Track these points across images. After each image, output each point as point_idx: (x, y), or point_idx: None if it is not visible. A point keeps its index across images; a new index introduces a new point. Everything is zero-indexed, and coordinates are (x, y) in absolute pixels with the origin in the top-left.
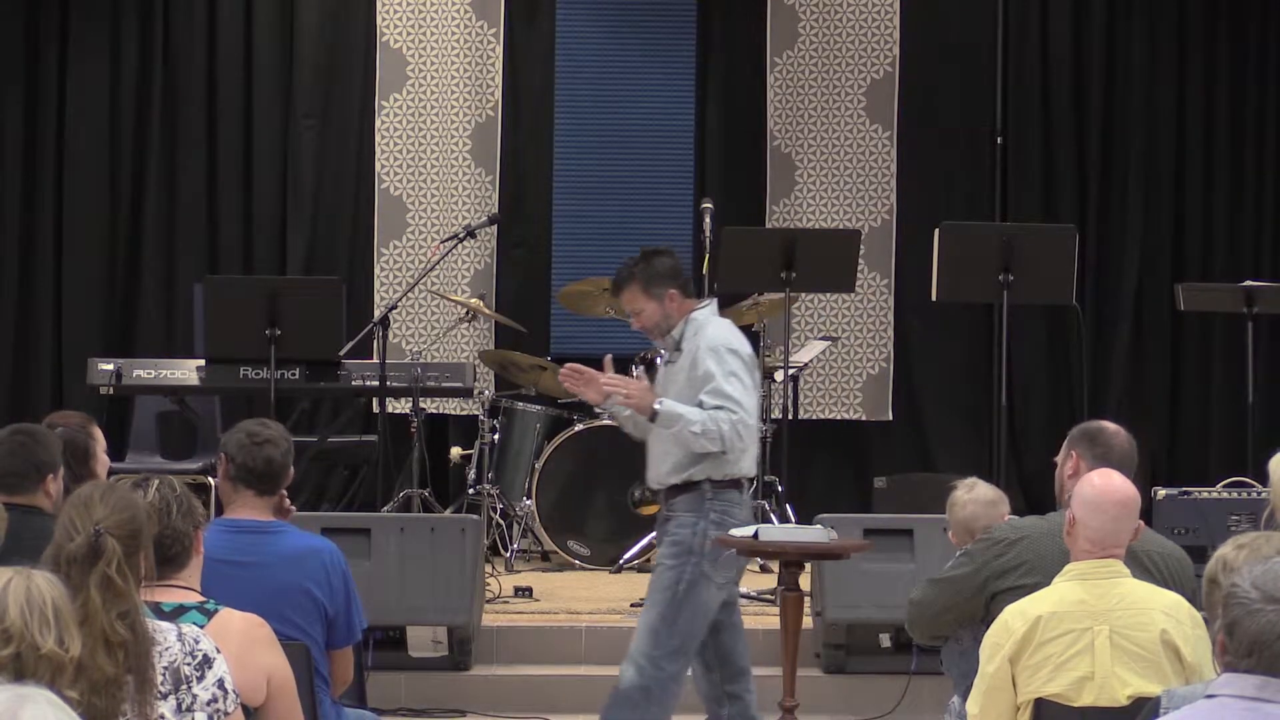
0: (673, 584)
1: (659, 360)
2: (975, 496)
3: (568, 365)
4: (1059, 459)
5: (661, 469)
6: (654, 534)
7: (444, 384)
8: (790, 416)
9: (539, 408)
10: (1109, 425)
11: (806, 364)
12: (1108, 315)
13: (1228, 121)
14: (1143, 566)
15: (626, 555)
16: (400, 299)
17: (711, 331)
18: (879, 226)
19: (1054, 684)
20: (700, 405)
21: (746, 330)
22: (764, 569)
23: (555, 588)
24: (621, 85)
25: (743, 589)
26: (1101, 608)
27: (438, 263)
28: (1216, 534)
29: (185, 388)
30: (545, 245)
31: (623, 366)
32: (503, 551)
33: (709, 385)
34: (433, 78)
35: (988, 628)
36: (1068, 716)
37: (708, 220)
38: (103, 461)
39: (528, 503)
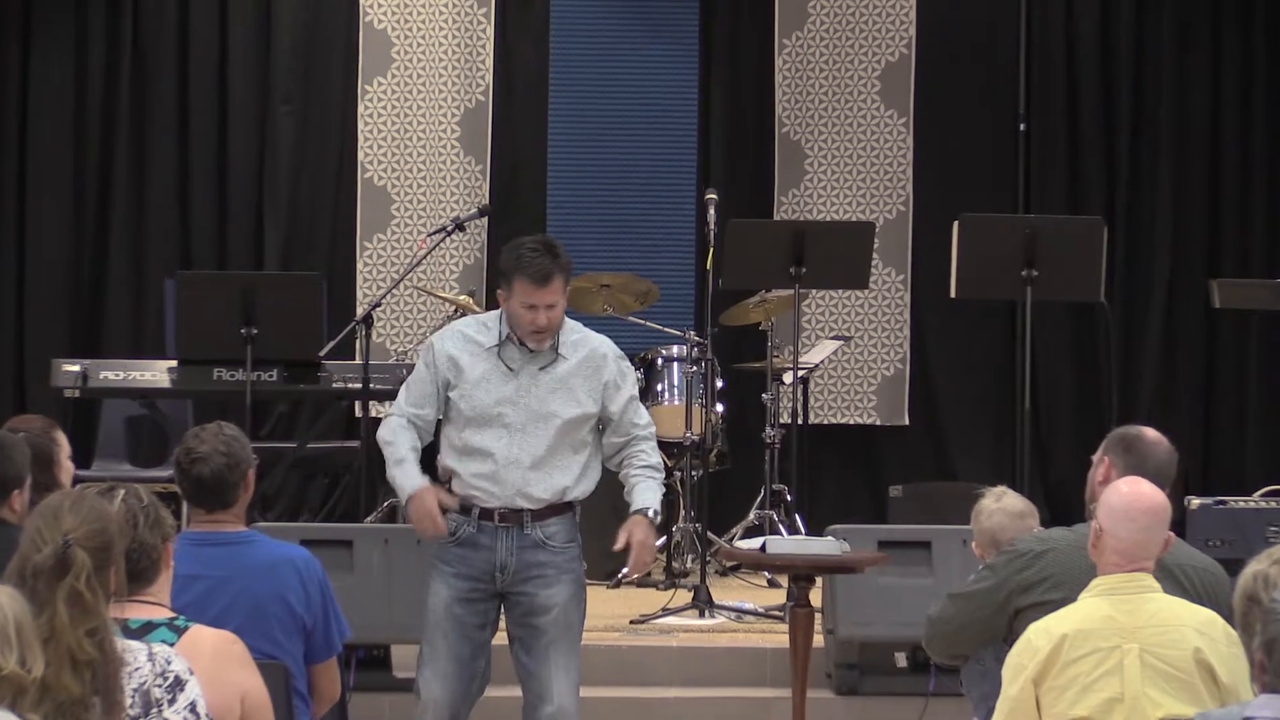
0: (580, 621)
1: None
2: (1004, 506)
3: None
4: (1092, 464)
5: (559, 480)
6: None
7: None
8: (800, 421)
9: None
10: (1149, 433)
11: (817, 365)
12: (1138, 313)
13: (1265, 108)
14: (1175, 581)
15: (624, 569)
16: (384, 296)
17: (596, 336)
18: (894, 219)
19: (1081, 706)
20: (631, 430)
21: (753, 329)
22: (772, 584)
23: None
24: (620, 68)
25: (749, 605)
26: (1131, 625)
27: (424, 257)
28: (1254, 546)
29: (155, 390)
30: None
31: None
32: None
33: (634, 405)
34: (419, 60)
35: (1010, 646)
36: None
37: (712, 212)
38: (67, 469)
39: None
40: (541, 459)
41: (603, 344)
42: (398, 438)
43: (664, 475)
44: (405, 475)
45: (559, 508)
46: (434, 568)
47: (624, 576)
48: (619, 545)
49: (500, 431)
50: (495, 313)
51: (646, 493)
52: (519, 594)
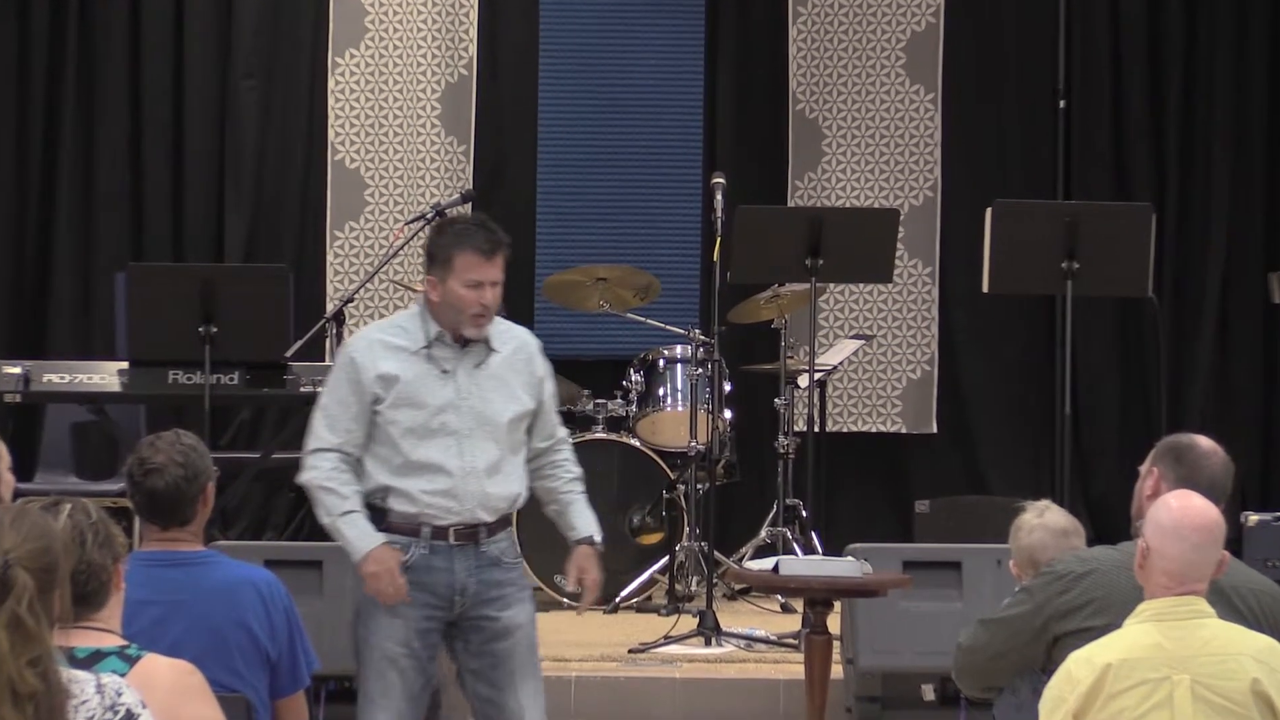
0: (538, 645)
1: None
2: (1046, 522)
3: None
4: (1140, 476)
5: (513, 487)
6: (657, 566)
7: None
8: (816, 429)
9: None
10: (1203, 442)
11: (836, 367)
12: (1190, 309)
13: None
14: (1230, 605)
15: (624, 592)
16: (357, 290)
17: (517, 326)
18: (921, 205)
19: None
20: (554, 433)
21: (765, 328)
22: (786, 609)
23: (540, 631)
24: (618, 39)
25: (760, 632)
26: (1182, 654)
27: (401, 247)
28: None
29: (105, 394)
30: (527, 228)
31: (619, 369)
32: None
33: (554, 406)
34: (396, 30)
35: (1049, 677)
36: None
37: (719, 198)
38: (7, 482)
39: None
40: (496, 464)
41: (527, 334)
42: (335, 483)
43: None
44: (357, 531)
45: (507, 519)
46: (357, 616)
47: (579, 611)
48: (571, 584)
49: (447, 441)
50: (407, 313)
51: (586, 515)
52: (478, 619)
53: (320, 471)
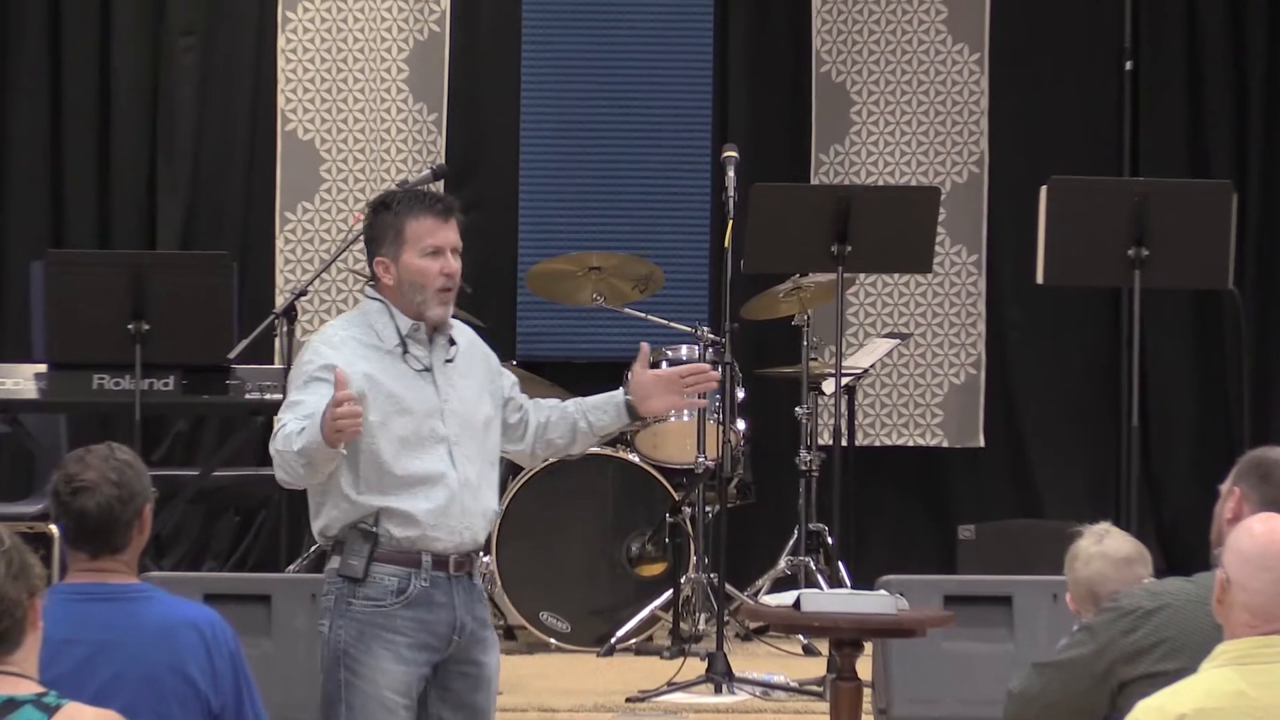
0: None
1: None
2: (1105, 550)
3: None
4: (1219, 497)
5: (493, 502)
6: (660, 601)
7: None
8: (844, 443)
9: None
10: None
11: (867, 371)
12: (1277, 305)
13: None
14: None
15: (620, 632)
16: (312, 281)
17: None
18: (965, 182)
19: None
20: (524, 403)
21: (785, 325)
22: (809, 651)
23: (524, 676)
24: None
25: (779, 678)
26: (1269, 702)
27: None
28: None
29: (19, 402)
30: (509, 209)
31: (615, 373)
32: None
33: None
34: None
35: None
36: None
37: (731, 174)
38: None
39: (486, 560)
40: (480, 474)
41: (465, 326)
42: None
43: None
44: (311, 425)
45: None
46: (373, 637)
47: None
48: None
49: (439, 450)
50: (364, 311)
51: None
52: (465, 665)
53: (278, 439)
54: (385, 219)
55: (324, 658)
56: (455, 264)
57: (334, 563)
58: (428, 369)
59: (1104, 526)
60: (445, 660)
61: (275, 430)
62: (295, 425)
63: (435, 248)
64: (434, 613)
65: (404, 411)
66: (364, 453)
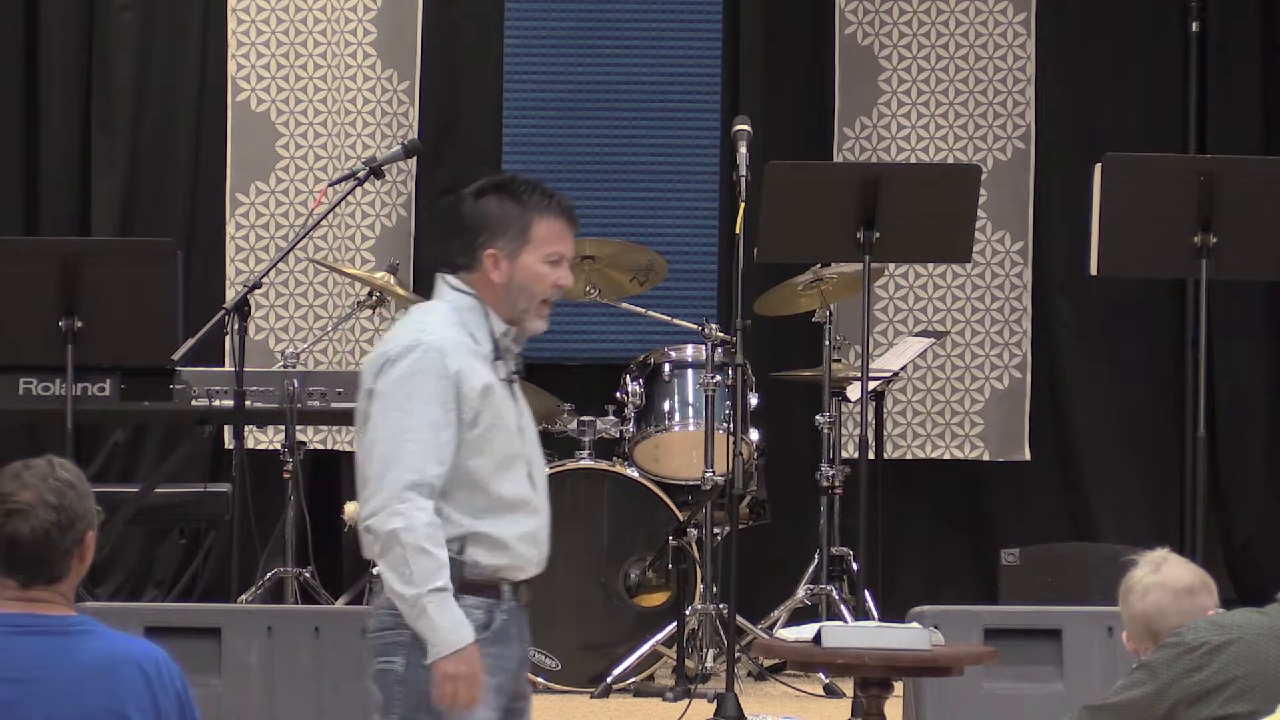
0: None
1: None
2: (1164, 580)
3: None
4: None
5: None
6: (662, 635)
7: (334, 404)
8: (871, 455)
9: None
10: None
11: (897, 374)
12: None
13: None
14: None
15: (618, 670)
16: (267, 273)
17: None
18: (1009, 160)
19: None
20: None
21: (804, 322)
22: (831, 691)
23: None
24: None
25: None
26: None
27: (325, 216)
28: None
29: None
30: None
31: (612, 376)
32: None
33: None
34: None
35: None
36: None
37: (743, 150)
38: None
39: None
40: (547, 498)
41: None
42: (434, 544)
43: None
44: (452, 617)
45: None
46: (420, 703)
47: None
48: None
49: (521, 470)
50: (455, 307)
51: None
52: (518, 700)
53: (417, 523)
54: (509, 209)
55: (396, 700)
56: (570, 278)
57: None
58: (512, 380)
59: (1161, 553)
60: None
61: (405, 494)
62: (443, 560)
63: (560, 256)
64: (509, 648)
65: (505, 428)
66: (459, 470)
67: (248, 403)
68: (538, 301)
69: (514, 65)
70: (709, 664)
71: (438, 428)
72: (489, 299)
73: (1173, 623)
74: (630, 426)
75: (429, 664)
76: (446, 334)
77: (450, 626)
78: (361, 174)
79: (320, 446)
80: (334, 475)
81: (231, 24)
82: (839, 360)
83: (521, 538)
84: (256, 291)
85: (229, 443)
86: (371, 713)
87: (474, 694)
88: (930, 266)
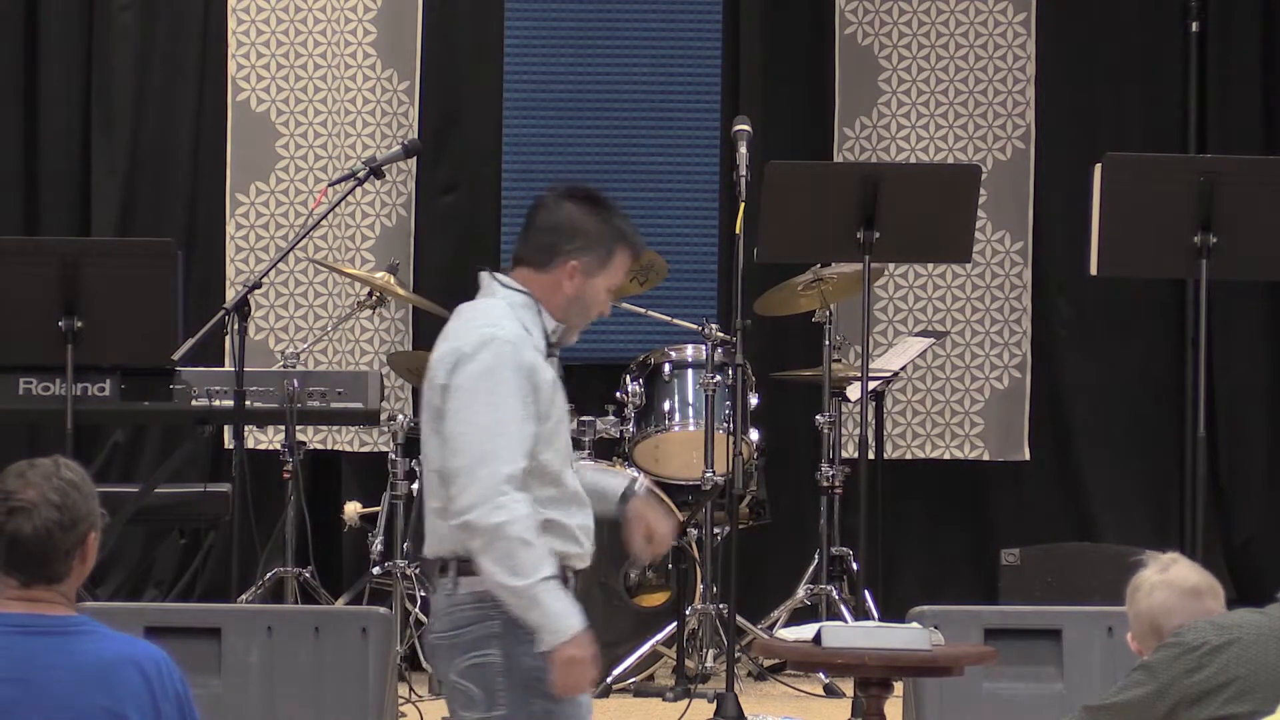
0: None
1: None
2: (1171, 579)
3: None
4: None
5: None
6: (662, 636)
7: (335, 404)
8: (871, 455)
9: None
10: None
11: (897, 374)
12: None
13: None
14: None
15: (618, 670)
16: (267, 273)
17: None
18: (1008, 160)
19: None
20: None
21: (804, 322)
22: (831, 691)
23: None
24: None
25: None
26: None
27: (325, 216)
28: None
29: None
30: (491, 189)
31: (611, 376)
32: (425, 664)
33: None
34: None
35: None
36: None
37: (743, 149)
38: None
39: None
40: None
41: None
42: (534, 534)
43: None
44: (563, 604)
45: None
46: (529, 689)
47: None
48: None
49: (568, 464)
50: (511, 305)
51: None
52: None
53: (519, 515)
54: (604, 229)
55: (499, 691)
56: (609, 311)
57: (476, 584)
58: (562, 379)
59: (1171, 556)
60: None
61: (503, 486)
62: (546, 551)
63: (618, 288)
64: None
65: (564, 425)
66: (534, 461)
67: (248, 403)
68: (584, 322)
69: (514, 65)
70: (709, 664)
71: (521, 421)
72: (544, 300)
73: (1177, 623)
74: (630, 426)
75: (543, 652)
76: (515, 329)
77: (563, 613)
78: (361, 174)
79: (320, 446)
80: (334, 475)
81: (231, 24)
82: (839, 360)
83: (582, 528)
84: (256, 291)
85: (229, 443)
86: (459, 711)
87: (591, 677)
88: (930, 266)
